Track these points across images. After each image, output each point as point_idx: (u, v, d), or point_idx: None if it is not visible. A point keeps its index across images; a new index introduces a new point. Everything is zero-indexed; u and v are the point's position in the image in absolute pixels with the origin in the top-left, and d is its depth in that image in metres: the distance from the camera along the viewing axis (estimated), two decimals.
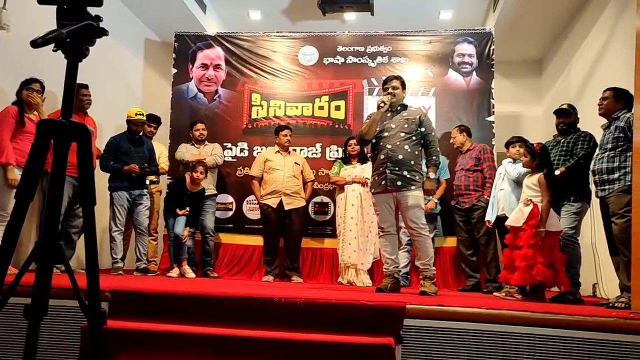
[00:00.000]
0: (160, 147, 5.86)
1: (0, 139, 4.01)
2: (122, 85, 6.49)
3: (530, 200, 3.90)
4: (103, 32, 1.41)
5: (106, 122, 5.67)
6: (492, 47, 6.05)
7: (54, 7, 1.38)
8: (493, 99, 5.95)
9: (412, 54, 6.23)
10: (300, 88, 6.30)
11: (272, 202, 5.41)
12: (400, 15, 6.68)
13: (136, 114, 5.17)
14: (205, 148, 5.74)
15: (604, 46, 5.23)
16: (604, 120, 3.86)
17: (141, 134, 5.35)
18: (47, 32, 1.28)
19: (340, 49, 6.31)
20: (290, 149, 5.72)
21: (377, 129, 4.02)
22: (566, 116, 4.37)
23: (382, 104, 3.97)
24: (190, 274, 5.17)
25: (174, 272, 5.17)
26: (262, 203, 5.48)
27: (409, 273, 5.36)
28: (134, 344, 2.45)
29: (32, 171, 1.37)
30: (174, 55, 6.45)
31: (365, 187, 5.19)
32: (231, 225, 6.04)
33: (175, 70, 6.40)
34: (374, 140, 4.06)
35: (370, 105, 5.96)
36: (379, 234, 4.11)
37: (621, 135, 3.59)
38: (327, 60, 6.31)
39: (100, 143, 5.24)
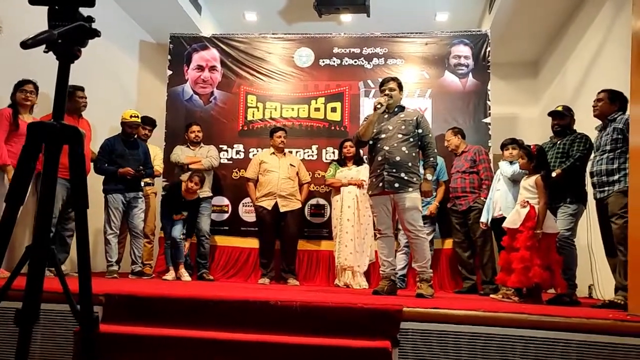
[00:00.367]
0: (156, 150, 5.83)
1: None
2: (117, 87, 6.46)
3: (527, 201, 3.89)
4: (96, 33, 1.39)
5: (101, 124, 5.64)
6: (488, 48, 6.06)
7: (45, 8, 1.36)
8: (489, 100, 5.96)
9: (408, 56, 6.23)
10: (296, 90, 6.29)
11: (267, 204, 5.39)
12: (396, 17, 6.67)
13: (131, 116, 5.14)
14: (200, 150, 5.72)
15: (600, 47, 5.24)
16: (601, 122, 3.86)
17: (136, 136, 5.32)
18: (38, 33, 1.26)
19: (336, 50, 6.30)
20: (286, 150, 5.70)
21: (374, 130, 4.01)
22: (560, 118, 4.36)
23: (379, 106, 3.96)
24: (186, 277, 5.14)
25: (169, 275, 5.14)
26: (257, 205, 5.46)
27: (406, 275, 5.35)
28: (128, 349, 2.42)
29: (23, 174, 1.35)
30: (169, 56, 6.42)
31: (361, 189, 5.18)
32: (227, 228, 6.01)
33: (171, 72, 6.37)
34: (371, 142, 4.05)
35: (367, 107, 5.95)
36: (375, 235, 4.10)
37: (619, 137, 3.60)
38: (323, 61, 6.30)
39: (94, 145, 5.21)
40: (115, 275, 4.88)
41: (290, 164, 5.56)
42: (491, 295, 4.44)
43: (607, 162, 3.65)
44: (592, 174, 3.80)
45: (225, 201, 6.07)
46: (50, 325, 2.55)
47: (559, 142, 4.32)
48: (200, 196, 5.39)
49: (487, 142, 5.77)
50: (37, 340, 2.52)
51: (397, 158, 3.88)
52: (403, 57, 6.22)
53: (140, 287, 3.74)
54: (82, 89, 4.65)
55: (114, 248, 5.04)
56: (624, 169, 3.52)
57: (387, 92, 4.03)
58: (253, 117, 6.25)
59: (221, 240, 5.97)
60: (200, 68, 6.38)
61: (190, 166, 5.49)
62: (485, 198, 4.96)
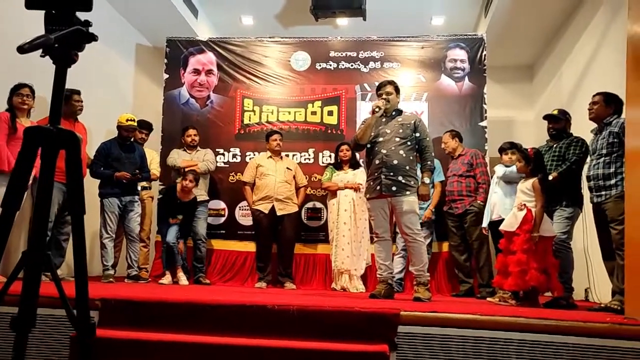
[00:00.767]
0: (152, 153, 5.82)
1: None
2: (113, 91, 6.44)
3: (524, 205, 3.90)
4: (92, 38, 1.38)
5: (97, 127, 5.62)
6: (484, 52, 6.08)
7: (42, 12, 1.35)
8: (485, 104, 5.97)
9: (404, 59, 6.24)
10: (292, 93, 6.29)
11: (264, 207, 5.38)
12: (393, 20, 6.70)
13: (127, 120, 5.12)
14: (197, 154, 5.71)
15: (595, 51, 5.27)
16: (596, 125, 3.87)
17: (132, 140, 5.30)
18: (34, 37, 1.26)
19: (332, 54, 6.31)
20: (283, 154, 5.70)
21: (372, 134, 4.01)
22: (555, 122, 4.37)
23: (376, 109, 3.96)
24: (183, 281, 5.12)
25: (166, 279, 5.13)
26: (254, 209, 5.45)
27: (403, 279, 5.35)
28: (125, 354, 2.41)
29: (19, 179, 1.34)
30: (165, 60, 6.41)
31: (357, 192, 5.18)
32: (223, 232, 6.00)
33: (167, 76, 6.37)
34: (368, 146, 4.05)
35: (363, 110, 5.95)
36: (372, 239, 4.10)
37: (615, 140, 3.60)
38: (320, 65, 6.30)
39: (90, 149, 5.19)
40: (111, 279, 4.86)
41: (287, 168, 5.55)
42: (488, 299, 4.44)
43: (604, 166, 3.66)
44: (588, 178, 3.81)
45: (221, 205, 6.06)
46: (47, 331, 2.53)
47: (555, 145, 4.32)
48: (197, 199, 5.38)
49: (484, 145, 5.79)
50: (34, 346, 2.50)
51: (395, 161, 3.89)
52: (399, 61, 6.24)
53: (137, 291, 3.73)
54: (78, 92, 4.64)
55: (110, 252, 5.02)
56: (621, 173, 3.52)
57: (384, 95, 4.04)
58: (250, 120, 6.25)
59: (218, 244, 5.95)
60: (197, 72, 6.38)
61: (186, 169, 5.48)
62: (482, 201, 4.96)
